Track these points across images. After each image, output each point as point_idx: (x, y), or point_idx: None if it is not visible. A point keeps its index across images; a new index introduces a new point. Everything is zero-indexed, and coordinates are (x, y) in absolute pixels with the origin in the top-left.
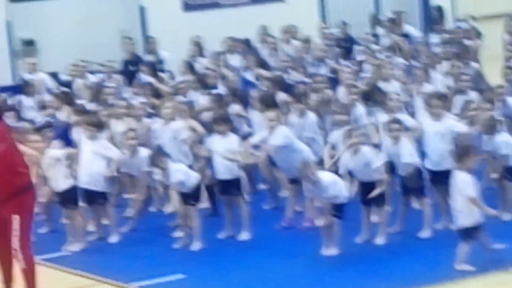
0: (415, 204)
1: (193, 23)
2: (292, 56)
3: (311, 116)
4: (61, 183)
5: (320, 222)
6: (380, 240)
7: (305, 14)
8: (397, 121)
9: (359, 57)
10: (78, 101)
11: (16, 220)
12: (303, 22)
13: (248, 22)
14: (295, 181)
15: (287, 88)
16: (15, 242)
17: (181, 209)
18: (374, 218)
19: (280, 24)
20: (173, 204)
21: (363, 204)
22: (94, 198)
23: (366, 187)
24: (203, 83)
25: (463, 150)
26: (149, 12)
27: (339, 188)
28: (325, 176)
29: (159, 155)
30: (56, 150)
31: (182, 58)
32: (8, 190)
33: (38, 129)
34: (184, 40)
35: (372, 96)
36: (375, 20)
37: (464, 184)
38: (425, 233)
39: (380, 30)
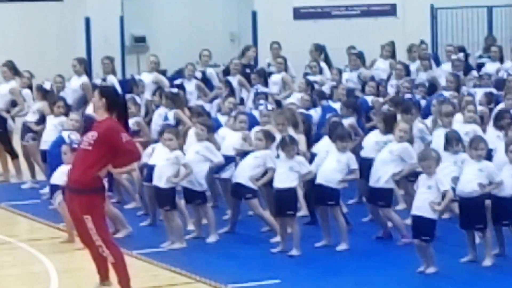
0: None
1: (303, 32)
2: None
3: (419, 125)
4: (163, 181)
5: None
6: (487, 262)
7: (416, 30)
8: None
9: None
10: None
11: (88, 219)
12: (413, 38)
13: (359, 34)
14: None
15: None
16: (97, 239)
17: (278, 221)
18: (477, 239)
19: (390, 38)
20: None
21: (463, 228)
22: (194, 197)
23: (467, 207)
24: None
25: None
26: (260, 18)
27: None
28: None
29: (292, 141)
30: (180, 154)
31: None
32: (80, 184)
33: (173, 129)
34: (293, 48)
35: (500, 120)
36: (492, 44)
37: None
38: None
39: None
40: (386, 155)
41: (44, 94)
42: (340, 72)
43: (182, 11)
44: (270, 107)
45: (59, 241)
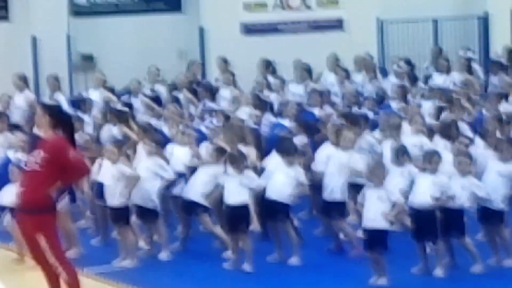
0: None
1: (252, 47)
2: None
3: (368, 138)
4: (116, 199)
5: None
6: (438, 272)
7: (363, 44)
8: (468, 155)
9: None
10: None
11: (41, 238)
12: (361, 51)
13: (307, 49)
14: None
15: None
16: (51, 258)
17: (230, 237)
18: (428, 250)
19: (338, 52)
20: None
21: (415, 240)
22: (146, 215)
23: (420, 219)
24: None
25: None
26: (208, 34)
27: None
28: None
29: (241, 156)
30: (122, 167)
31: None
32: (31, 203)
33: (116, 143)
34: (241, 64)
35: (447, 131)
36: (439, 56)
37: None
38: (476, 268)
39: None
40: (337, 167)
41: None
42: (283, 82)
43: (130, 28)
44: (217, 121)
45: (10, 261)
